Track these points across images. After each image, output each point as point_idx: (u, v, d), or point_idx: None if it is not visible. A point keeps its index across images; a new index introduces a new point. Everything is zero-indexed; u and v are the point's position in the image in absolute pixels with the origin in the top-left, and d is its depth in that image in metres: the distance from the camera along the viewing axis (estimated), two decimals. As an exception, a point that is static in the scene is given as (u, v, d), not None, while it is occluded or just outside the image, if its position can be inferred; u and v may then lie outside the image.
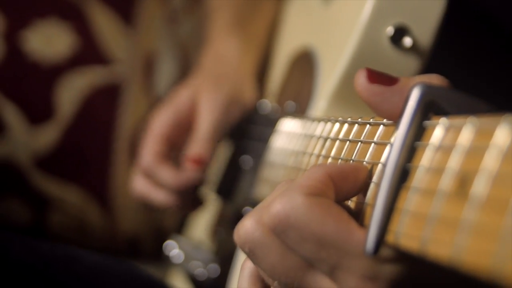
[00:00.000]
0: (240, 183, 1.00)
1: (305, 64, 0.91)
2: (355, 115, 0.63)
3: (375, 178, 0.55)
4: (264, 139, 0.92)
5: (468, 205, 0.42)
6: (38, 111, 1.25)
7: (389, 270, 0.52)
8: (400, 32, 0.75)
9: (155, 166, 1.00)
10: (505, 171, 0.40)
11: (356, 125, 0.61)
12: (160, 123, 1.03)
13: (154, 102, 1.30)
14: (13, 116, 1.24)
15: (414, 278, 0.52)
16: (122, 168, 1.29)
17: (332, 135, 0.65)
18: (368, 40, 0.76)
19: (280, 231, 0.53)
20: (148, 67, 1.31)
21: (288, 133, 0.81)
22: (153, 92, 1.32)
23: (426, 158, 0.49)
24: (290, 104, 0.93)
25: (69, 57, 1.26)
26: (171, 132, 1.02)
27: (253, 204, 0.82)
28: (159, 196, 1.01)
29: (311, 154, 0.68)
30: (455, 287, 0.50)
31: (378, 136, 0.57)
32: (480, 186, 0.42)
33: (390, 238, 0.50)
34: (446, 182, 0.45)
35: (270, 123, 0.92)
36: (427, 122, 0.51)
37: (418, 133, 0.51)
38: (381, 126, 0.58)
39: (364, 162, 0.57)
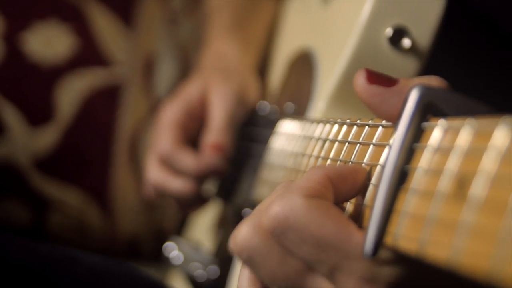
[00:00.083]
0: (240, 184, 1.00)
1: (304, 65, 0.91)
2: (354, 117, 0.63)
3: (373, 180, 0.55)
4: (263, 141, 0.92)
5: (466, 206, 0.42)
6: (38, 112, 1.25)
7: (387, 272, 0.51)
8: (399, 33, 0.75)
9: (175, 151, 0.98)
10: (503, 172, 0.40)
11: (355, 126, 0.61)
12: (172, 113, 1.01)
13: (154, 103, 1.30)
14: (13, 118, 1.24)
15: (412, 280, 0.52)
16: (122, 170, 1.29)
17: (331, 136, 0.65)
18: (367, 41, 0.76)
19: (279, 233, 0.53)
20: (148, 68, 1.31)
21: (287, 134, 0.81)
22: (153, 93, 1.31)
23: (424, 160, 0.49)
24: (289, 106, 0.93)
25: (69, 58, 1.26)
26: (184, 121, 1.01)
27: (253, 205, 0.82)
28: (176, 184, 0.99)
29: (310, 156, 0.68)
30: (454, 289, 0.50)
31: (377, 138, 0.57)
32: (478, 188, 0.42)
33: (388, 240, 0.50)
34: (445, 183, 0.45)
35: (269, 125, 0.92)
36: (425, 124, 0.51)
37: (417, 134, 0.51)
38: (380, 128, 0.58)
39: (363, 164, 0.57)
